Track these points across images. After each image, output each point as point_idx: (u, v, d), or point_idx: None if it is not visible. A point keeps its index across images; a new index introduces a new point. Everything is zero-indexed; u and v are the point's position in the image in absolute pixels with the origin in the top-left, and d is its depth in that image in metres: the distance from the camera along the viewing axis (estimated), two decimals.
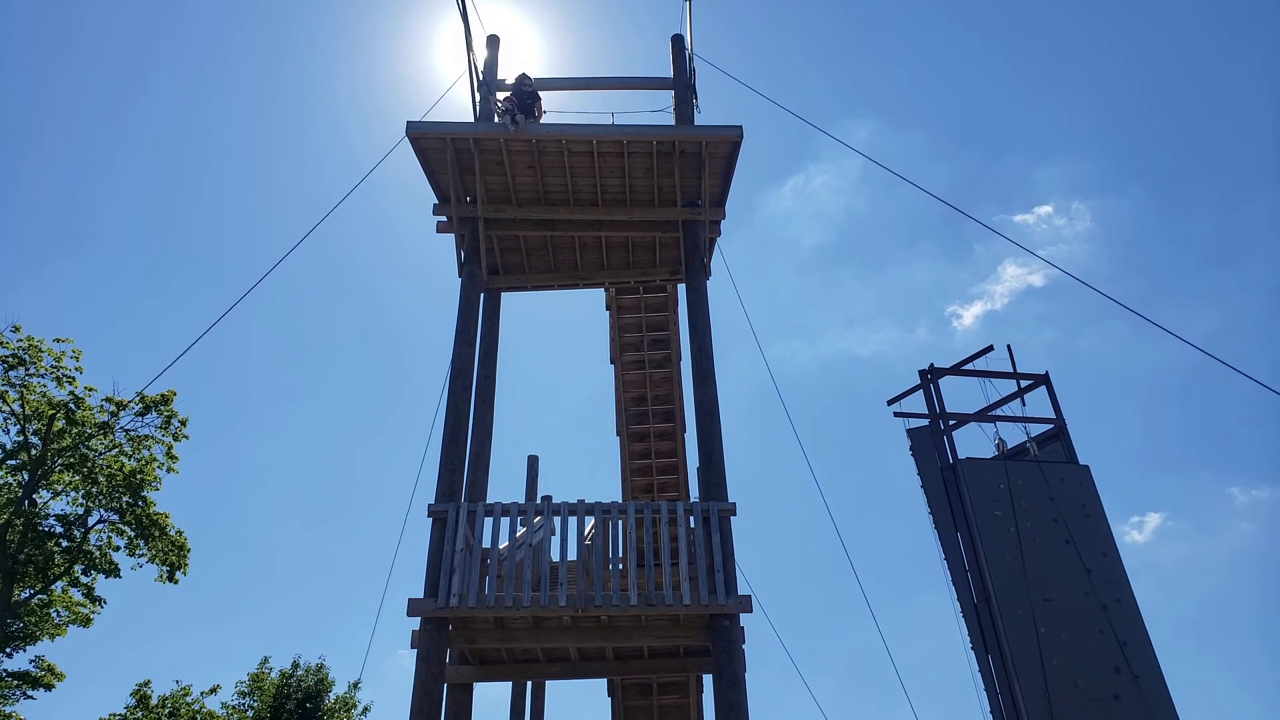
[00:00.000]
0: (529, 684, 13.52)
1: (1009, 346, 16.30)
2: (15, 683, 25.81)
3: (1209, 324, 57.42)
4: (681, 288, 11.56)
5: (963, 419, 15.60)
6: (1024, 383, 15.79)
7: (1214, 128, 64.29)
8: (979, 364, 16.16)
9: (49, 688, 26.35)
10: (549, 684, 14.21)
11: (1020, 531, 13.00)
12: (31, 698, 26.33)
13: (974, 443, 16.55)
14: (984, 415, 15.70)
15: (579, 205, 10.97)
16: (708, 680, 10.30)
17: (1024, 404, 15.79)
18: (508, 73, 12.15)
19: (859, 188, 74.61)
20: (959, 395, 16.73)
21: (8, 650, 24.90)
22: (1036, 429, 15.34)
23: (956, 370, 16.21)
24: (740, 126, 10.35)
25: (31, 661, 26.21)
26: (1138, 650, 12.03)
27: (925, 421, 15.32)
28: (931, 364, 16.03)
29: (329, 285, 77.29)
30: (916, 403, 15.79)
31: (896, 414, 15.78)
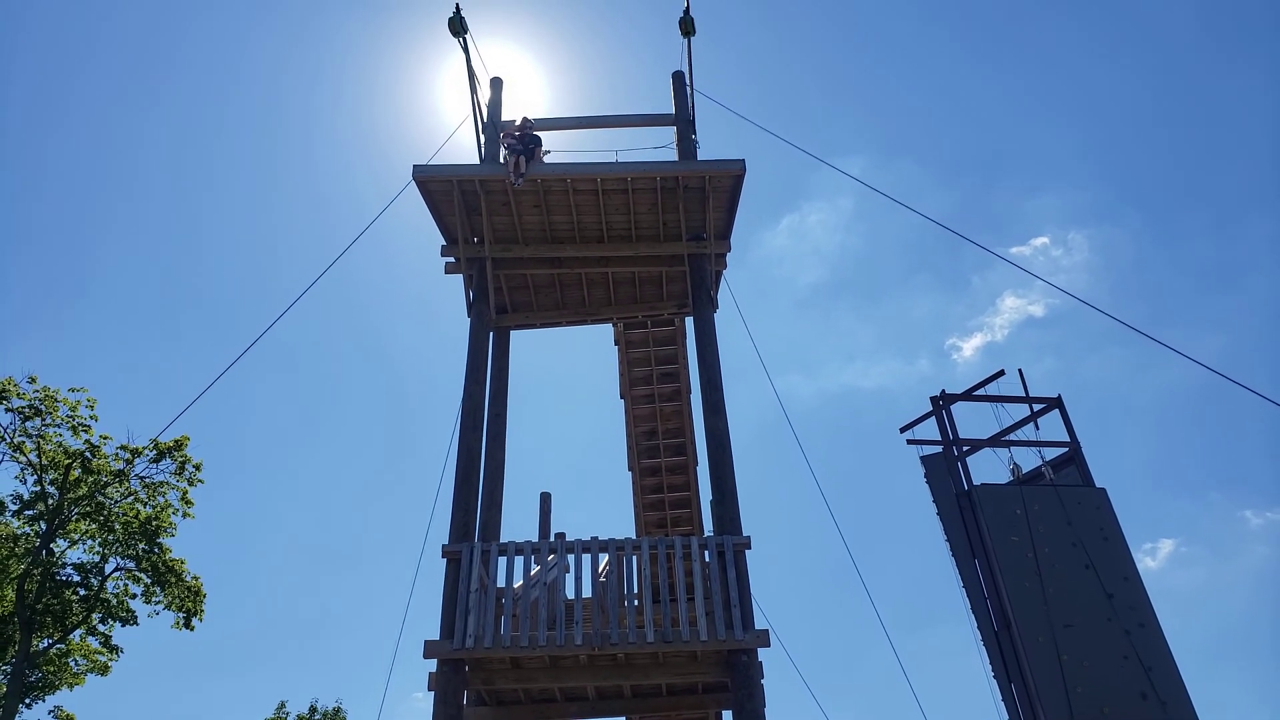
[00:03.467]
0: None
1: (1020, 370, 16.20)
2: None
3: (1212, 348, 57.11)
4: (689, 320, 11.61)
5: (976, 444, 15.50)
6: (1036, 406, 15.70)
7: (1207, 151, 64.43)
8: (990, 389, 16.08)
9: None
10: None
11: (1039, 557, 12.84)
12: None
13: (988, 468, 16.43)
14: (997, 440, 15.59)
15: (585, 242, 11.07)
16: (728, 716, 10.18)
17: (1037, 427, 15.67)
18: (511, 114, 12.33)
19: (853, 225, 75.00)
20: (971, 421, 16.63)
21: (27, 701, 24.84)
22: (1051, 453, 15.22)
23: (968, 396, 16.13)
24: (743, 160, 10.46)
25: (50, 712, 26.12)
26: (1164, 675, 11.82)
27: (938, 448, 15.23)
28: (943, 390, 15.96)
29: (337, 328, 77.80)
30: (929, 430, 15.69)
31: (909, 441, 15.67)
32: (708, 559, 8.91)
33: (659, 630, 8.42)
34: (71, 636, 25.21)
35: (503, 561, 9.09)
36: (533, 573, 9.17)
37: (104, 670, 26.23)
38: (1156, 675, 11.69)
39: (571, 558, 9.07)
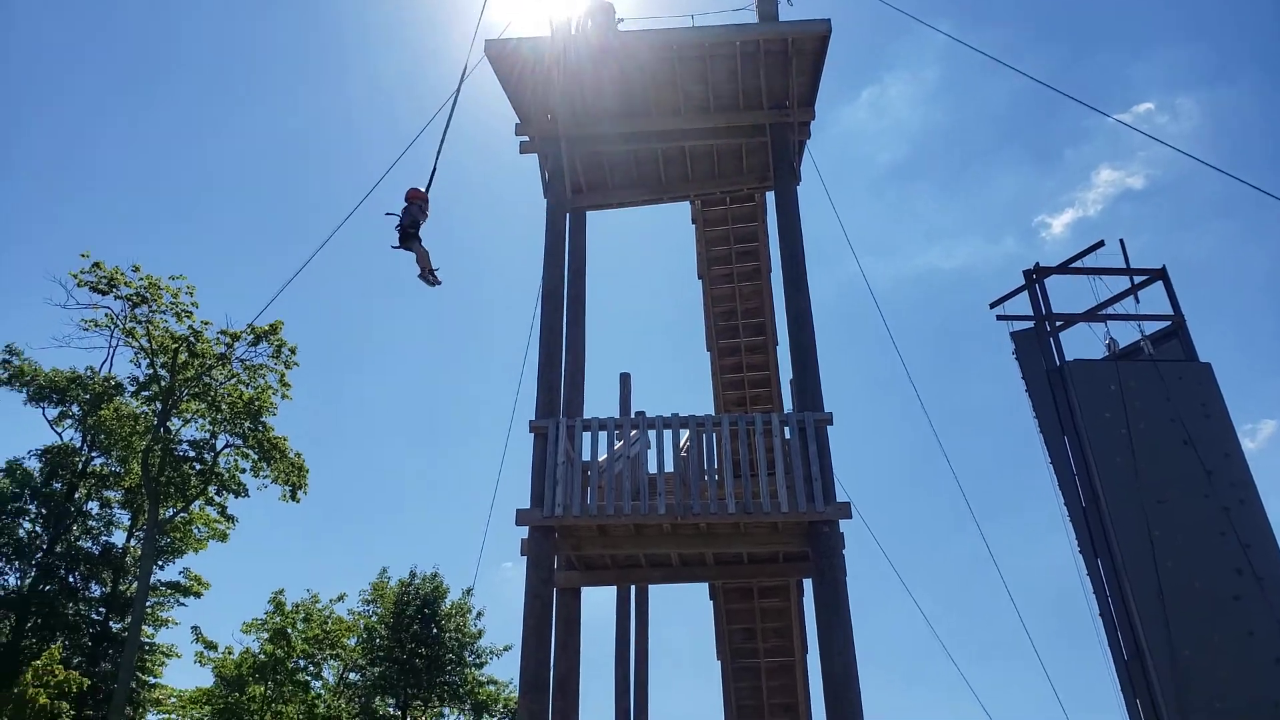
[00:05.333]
0: (633, 588, 13.98)
1: (1121, 241, 15.42)
2: (169, 591, 28.32)
3: None
4: (769, 196, 11.31)
5: (1070, 319, 14.96)
6: (1138, 279, 14.97)
7: None
8: (1088, 261, 15.37)
9: (198, 595, 28.82)
10: (652, 588, 14.67)
11: (1133, 433, 12.51)
12: (184, 604, 28.88)
13: (1084, 345, 15.87)
14: (1093, 314, 15.00)
15: (661, 115, 10.76)
16: (808, 585, 10.43)
17: (1138, 301, 14.99)
18: None
19: (937, 97, 70.91)
20: (1065, 297, 15.97)
21: (160, 563, 27.21)
22: (1151, 328, 14.60)
23: (1064, 268, 15.48)
24: (828, 20, 9.89)
25: (180, 573, 28.64)
26: (1262, 553, 11.57)
27: (1030, 324, 14.76)
28: (1037, 263, 15.34)
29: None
30: (1020, 306, 15.19)
31: (999, 317, 15.22)
32: (788, 435, 8.94)
33: (740, 502, 8.56)
34: (193, 506, 27.25)
35: (587, 436, 9.30)
36: (615, 448, 9.38)
37: (223, 537, 28.41)
38: (1255, 553, 11.46)
39: (653, 433, 9.20)
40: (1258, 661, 10.91)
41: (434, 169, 10.38)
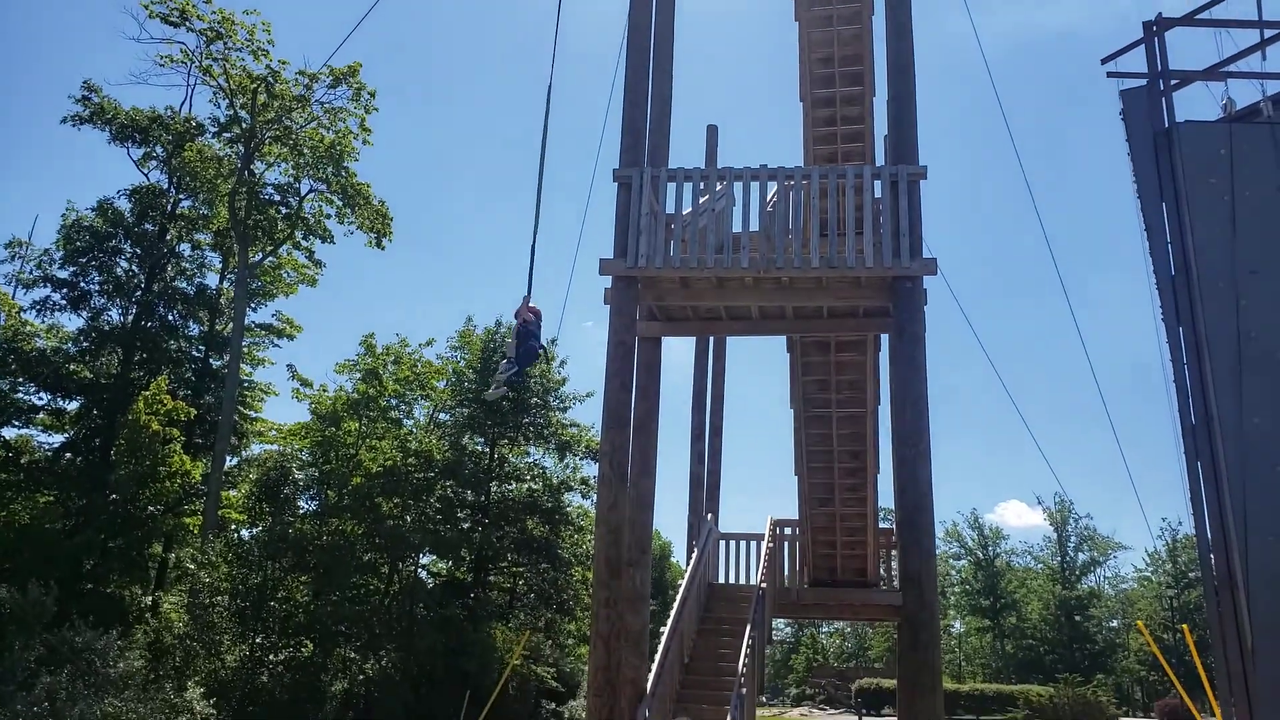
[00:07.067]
0: (711, 339, 14.51)
1: None
2: (263, 332, 30.07)
3: None
4: None
5: (1188, 77, 13.85)
6: (1269, 33, 13.61)
7: None
8: (1217, 12, 13.94)
9: (290, 338, 30.56)
10: (730, 340, 15.22)
11: (1237, 199, 11.95)
12: (278, 345, 30.74)
13: (1202, 110, 14.76)
14: (1213, 72, 13.85)
15: None
16: (885, 340, 10.68)
17: (1264, 58, 13.73)
18: None
19: None
20: (1187, 57, 14.65)
21: (253, 305, 28.72)
22: (1276, 88, 13.47)
23: (1189, 20, 14.11)
24: None
25: (273, 315, 30.24)
26: None
27: (1143, 82, 13.73)
28: (1159, 13, 14.03)
29: None
30: (1135, 63, 14.04)
31: (1110, 74, 14.15)
32: (879, 192, 8.83)
33: (824, 256, 8.64)
34: (281, 251, 28.28)
35: (672, 188, 9.31)
36: (701, 202, 9.39)
37: (312, 282, 29.66)
38: None
39: (739, 186, 9.15)
40: None
41: (531, 255, 9.46)
